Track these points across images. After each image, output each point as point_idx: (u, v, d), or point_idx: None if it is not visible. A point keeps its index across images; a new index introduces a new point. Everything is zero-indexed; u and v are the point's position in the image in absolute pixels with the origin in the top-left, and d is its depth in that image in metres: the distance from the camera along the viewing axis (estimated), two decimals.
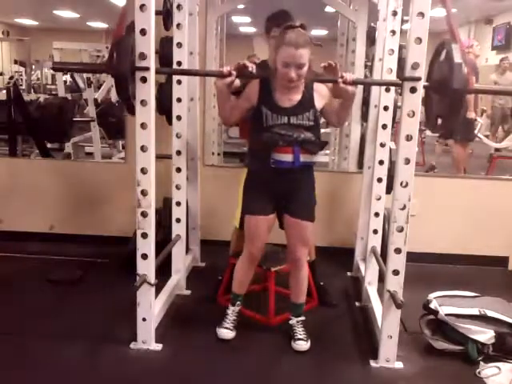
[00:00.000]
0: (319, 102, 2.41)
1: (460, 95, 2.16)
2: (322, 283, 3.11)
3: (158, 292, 2.70)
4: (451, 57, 2.11)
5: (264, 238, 2.56)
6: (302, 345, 2.53)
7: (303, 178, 2.50)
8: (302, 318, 2.63)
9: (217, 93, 2.46)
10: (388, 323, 2.37)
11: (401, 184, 2.23)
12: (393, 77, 2.84)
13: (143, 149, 2.28)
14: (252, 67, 2.36)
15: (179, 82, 2.97)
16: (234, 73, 2.31)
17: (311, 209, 2.56)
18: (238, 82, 2.45)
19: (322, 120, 2.58)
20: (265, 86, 2.41)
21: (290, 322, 2.62)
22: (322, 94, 2.42)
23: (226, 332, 2.59)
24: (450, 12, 2.21)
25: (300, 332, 2.57)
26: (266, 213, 2.51)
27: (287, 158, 2.39)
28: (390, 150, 2.99)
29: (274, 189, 2.48)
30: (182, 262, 3.13)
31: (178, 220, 3.10)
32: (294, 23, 2.31)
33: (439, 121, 2.32)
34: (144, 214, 2.33)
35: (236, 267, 2.66)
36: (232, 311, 2.65)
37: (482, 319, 2.49)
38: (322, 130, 5.39)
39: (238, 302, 2.66)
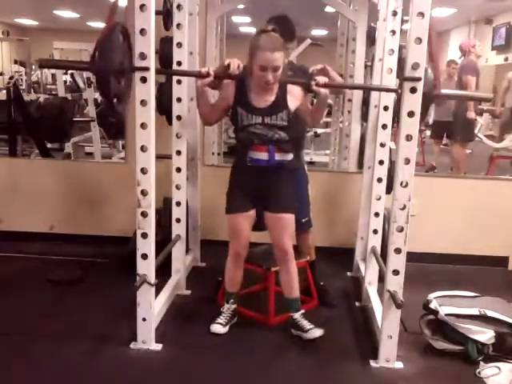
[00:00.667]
0: (292, 103, 2.50)
1: (425, 100, 2.20)
2: (321, 283, 3.11)
3: (158, 292, 2.70)
4: None
5: (246, 235, 2.62)
6: (315, 331, 2.55)
7: (279, 175, 2.56)
8: (303, 310, 2.67)
9: (196, 93, 2.57)
10: (388, 323, 2.37)
11: (401, 184, 2.23)
12: (393, 77, 2.84)
13: (143, 149, 2.28)
14: (235, 67, 2.46)
15: (179, 81, 2.97)
16: (212, 73, 2.43)
17: (289, 202, 2.60)
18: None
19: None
20: (241, 87, 2.51)
21: (294, 317, 2.64)
22: (295, 96, 2.51)
23: (218, 327, 2.64)
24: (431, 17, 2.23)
25: (306, 324, 2.60)
26: (245, 210, 2.59)
27: (263, 156, 2.50)
28: (390, 149, 2.99)
29: (252, 186, 2.56)
30: (181, 262, 3.13)
31: (178, 220, 3.10)
32: (267, 28, 2.40)
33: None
34: (144, 214, 2.33)
35: (226, 267, 2.72)
36: (226, 309, 2.70)
37: (482, 319, 2.49)
38: (322, 130, 5.42)
39: (232, 300, 2.72)
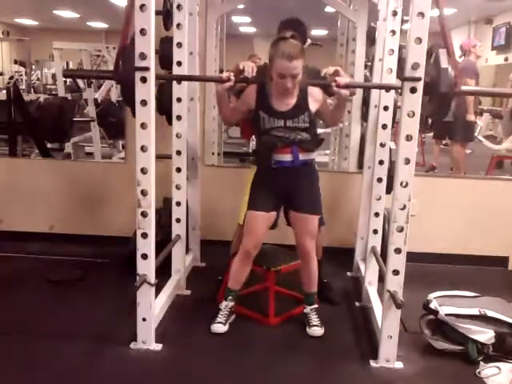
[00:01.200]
0: (313, 105, 2.55)
1: (447, 98, 2.25)
2: (325, 280, 3.12)
3: (158, 292, 2.70)
4: (438, 61, 2.21)
5: (261, 234, 2.64)
6: (317, 330, 2.63)
7: (304, 174, 2.62)
8: (315, 305, 2.73)
9: (217, 97, 2.62)
10: (388, 323, 2.37)
11: (401, 184, 2.23)
12: (393, 77, 2.84)
13: (143, 149, 2.28)
14: (250, 71, 2.50)
15: (179, 82, 2.97)
16: (233, 78, 2.46)
17: (315, 203, 2.67)
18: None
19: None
20: (262, 91, 2.56)
21: (305, 310, 2.72)
22: (315, 98, 2.56)
23: (219, 326, 2.64)
24: (443, 15, 2.23)
25: (314, 319, 2.68)
26: (265, 209, 2.62)
27: (287, 157, 2.55)
28: (390, 149, 2.99)
29: (277, 187, 2.61)
30: (181, 262, 3.13)
31: (178, 220, 3.10)
32: (285, 34, 2.44)
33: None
34: (144, 214, 2.33)
35: (232, 263, 2.72)
36: (225, 306, 2.71)
37: (482, 319, 2.49)
38: (322, 130, 5.43)
39: (231, 297, 2.72)
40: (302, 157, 2.56)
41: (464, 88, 2.40)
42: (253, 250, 2.66)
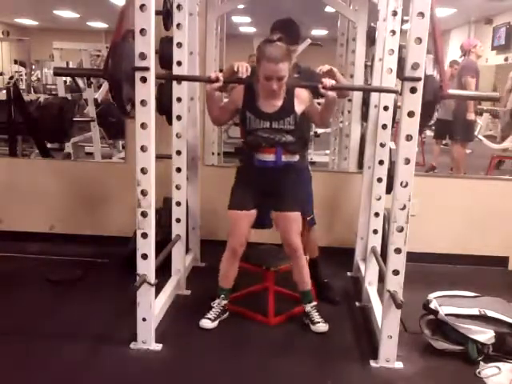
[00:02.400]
0: (299, 107, 2.58)
1: (431, 104, 2.28)
2: (326, 280, 3.13)
3: (158, 292, 2.70)
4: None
5: (244, 232, 2.68)
6: (322, 326, 2.65)
7: (287, 174, 2.64)
8: (314, 302, 2.75)
9: (206, 96, 2.65)
10: (388, 323, 2.37)
11: (401, 184, 2.23)
12: (393, 77, 2.84)
13: (143, 149, 2.28)
14: (244, 71, 2.52)
15: (179, 81, 2.97)
16: (222, 78, 2.50)
17: (296, 201, 2.69)
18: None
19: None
20: (249, 91, 2.60)
21: (306, 309, 2.72)
22: (302, 99, 2.59)
23: (207, 322, 2.68)
24: (435, 17, 2.23)
25: (316, 316, 2.70)
26: (246, 208, 2.67)
27: (270, 158, 2.59)
28: (390, 149, 2.99)
29: (258, 186, 2.64)
30: (181, 262, 3.13)
31: (178, 220, 3.11)
32: (273, 37, 2.47)
33: None
34: (144, 214, 2.33)
35: (221, 262, 2.75)
36: (217, 304, 2.74)
37: (482, 319, 2.49)
38: (322, 130, 5.42)
39: (223, 296, 2.75)
40: (284, 158, 2.60)
41: (450, 92, 2.43)
42: (238, 248, 2.69)
